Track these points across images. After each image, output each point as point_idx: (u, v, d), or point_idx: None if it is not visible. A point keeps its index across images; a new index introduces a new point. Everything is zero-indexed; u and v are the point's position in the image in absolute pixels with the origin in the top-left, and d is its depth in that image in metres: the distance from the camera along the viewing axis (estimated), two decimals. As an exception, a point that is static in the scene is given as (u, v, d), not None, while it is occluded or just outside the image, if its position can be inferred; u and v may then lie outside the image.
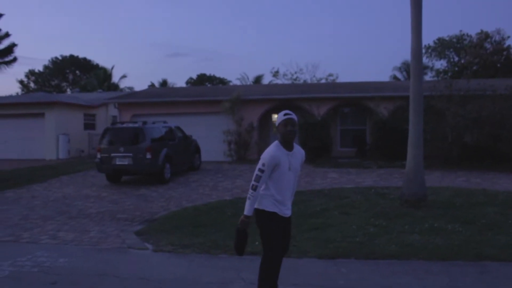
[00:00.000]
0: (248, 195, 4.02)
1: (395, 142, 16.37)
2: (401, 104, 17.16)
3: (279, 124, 4.12)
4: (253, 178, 4.03)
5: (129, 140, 13.20)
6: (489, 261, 5.60)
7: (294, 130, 4.08)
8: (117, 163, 13.12)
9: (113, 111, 25.59)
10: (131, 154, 12.97)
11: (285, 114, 4.13)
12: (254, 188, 3.98)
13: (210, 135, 19.67)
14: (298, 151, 4.29)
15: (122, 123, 14.61)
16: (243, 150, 19.40)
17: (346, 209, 8.91)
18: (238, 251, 4.21)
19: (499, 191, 10.66)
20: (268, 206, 4.09)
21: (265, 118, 20.96)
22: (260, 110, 20.02)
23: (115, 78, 46.62)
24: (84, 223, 8.55)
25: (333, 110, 20.10)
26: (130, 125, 13.85)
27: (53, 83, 59.45)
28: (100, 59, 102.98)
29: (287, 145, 4.12)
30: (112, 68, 46.20)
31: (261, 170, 4.00)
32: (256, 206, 4.12)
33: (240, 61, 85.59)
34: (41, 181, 14.53)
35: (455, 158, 15.81)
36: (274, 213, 4.08)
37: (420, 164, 9.25)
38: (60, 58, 59.60)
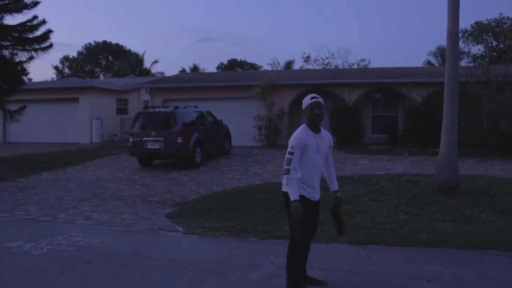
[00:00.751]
0: (285, 181, 4.03)
1: (428, 129, 16.05)
2: (435, 90, 16.75)
3: (306, 107, 4.16)
4: (285, 163, 4.06)
5: (161, 124, 13.37)
6: (523, 251, 5.46)
7: (321, 113, 4.12)
8: (149, 147, 13.32)
9: (145, 96, 25.93)
10: (162, 138, 13.14)
11: (312, 98, 4.17)
12: (287, 172, 4.01)
13: (240, 120, 19.71)
14: (326, 135, 4.32)
15: (154, 107, 14.80)
16: (274, 135, 19.39)
17: (376, 196, 8.83)
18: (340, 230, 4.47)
19: (536, 181, 10.35)
20: (297, 189, 4.09)
21: (296, 103, 20.81)
22: (291, 95, 19.92)
23: (146, 64, 47.28)
24: (117, 205, 8.75)
25: (365, 96, 19.82)
26: (162, 109, 14.02)
27: (86, 68, 60.61)
28: (132, 44, 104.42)
29: (315, 128, 4.16)
30: (144, 53, 46.85)
31: (291, 153, 4.03)
32: (283, 189, 4.15)
33: (271, 47, 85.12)
34: (76, 164, 14.90)
35: (491, 146, 15.43)
36: (302, 196, 4.09)
37: (453, 151, 9.05)
38: (93, 44, 60.65)
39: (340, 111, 17.70)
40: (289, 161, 4.02)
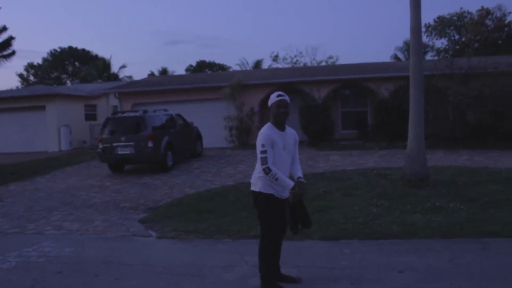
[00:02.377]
0: (272, 180, 4.05)
1: (397, 122, 16.31)
2: (402, 84, 17.03)
3: (272, 105, 4.20)
4: (261, 163, 4.06)
5: (131, 129, 13.21)
6: (491, 237, 5.63)
7: (286, 111, 4.17)
8: (119, 152, 13.15)
9: (113, 101, 25.52)
10: (133, 143, 12.99)
11: (278, 96, 4.21)
12: (268, 170, 4.01)
13: (211, 122, 19.64)
14: (291, 132, 4.37)
15: (123, 112, 14.63)
16: (245, 136, 19.38)
17: (348, 191, 8.95)
18: (293, 227, 4.26)
19: (502, 169, 10.65)
20: (265, 188, 4.16)
21: (266, 102, 20.69)
22: (260, 95, 19.96)
23: (114, 68, 46.54)
24: (89, 213, 8.61)
25: (334, 93, 20.01)
26: (131, 114, 13.88)
27: (52, 75, 59.29)
28: (99, 49, 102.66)
29: (280, 126, 4.21)
30: (110, 58, 46.28)
31: (264, 151, 4.05)
32: (252, 188, 4.23)
33: (240, 47, 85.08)
34: (45, 173, 14.59)
35: (457, 138, 15.78)
36: (271, 195, 4.15)
37: (421, 144, 9.24)
38: (58, 50, 59.37)
39: (310, 109, 17.82)
40: (265, 160, 4.03)
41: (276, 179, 4.03)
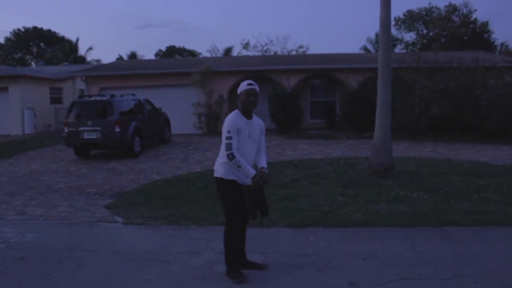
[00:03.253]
0: (235, 166, 4.07)
1: (365, 113, 16.55)
2: (371, 76, 17.29)
3: (241, 93, 4.21)
4: (225, 148, 4.07)
5: (97, 113, 12.96)
6: (451, 226, 5.82)
7: (255, 100, 4.19)
8: (85, 137, 12.89)
9: (80, 84, 24.98)
10: (99, 128, 12.75)
11: (248, 84, 4.22)
12: (232, 156, 4.03)
13: (180, 108, 19.45)
14: (257, 121, 4.40)
15: (90, 96, 14.32)
16: (214, 123, 19.32)
17: (315, 179, 9.06)
18: (253, 212, 4.27)
19: (464, 161, 11.00)
20: (227, 174, 4.21)
21: (235, 90, 20.68)
22: (230, 82, 19.89)
23: (81, 51, 45.42)
24: (53, 198, 8.43)
25: (303, 82, 20.14)
26: (98, 98, 13.58)
27: (16, 56, 57.35)
28: (65, 31, 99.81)
29: (247, 114, 4.24)
30: (77, 40, 44.99)
31: (229, 137, 4.07)
32: (215, 174, 4.28)
33: (211, 33, 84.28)
34: (7, 157, 14.17)
35: (422, 129, 16.18)
36: (233, 181, 4.19)
37: (387, 135, 9.42)
38: (22, 30, 57.35)
39: (279, 97, 17.88)
40: (229, 146, 4.05)
41: (239, 166, 4.06)
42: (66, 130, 13.08)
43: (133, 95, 15.25)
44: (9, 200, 8.38)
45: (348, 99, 17.63)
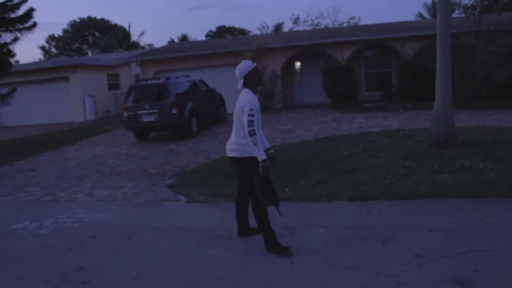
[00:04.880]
0: (252, 143, 4.20)
1: (422, 83, 15.96)
2: (428, 43, 16.59)
3: (250, 71, 4.42)
4: (247, 125, 4.20)
5: (154, 96, 13.28)
6: (522, 196, 5.54)
7: (263, 74, 4.34)
8: (144, 120, 13.27)
9: (135, 69, 25.62)
10: (157, 111, 13.08)
11: (252, 63, 4.46)
12: (253, 133, 4.19)
13: (233, 87, 19.46)
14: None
15: (146, 80, 14.67)
16: (268, 100, 19.29)
17: (374, 153, 8.89)
18: (265, 199, 4.31)
19: (532, 127, 10.41)
20: (251, 152, 4.34)
21: (288, 66, 20.69)
22: (282, 58, 19.74)
23: (134, 36, 46.52)
24: (117, 180, 8.78)
25: (357, 54, 19.65)
26: (154, 81, 13.90)
27: (73, 46, 59.60)
28: (117, 18, 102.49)
29: (256, 91, 4.50)
30: (129, 26, 46.08)
31: (252, 115, 4.23)
32: (236, 154, 4.44)
33: (261, 10, 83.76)
34: (72, 143, 14.87)
35: (485, 97, 15.40)
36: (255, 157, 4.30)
37: (448, 103, 9.05)
38: (78, 21, 59.47)
39: (333, 71, 17.53)
40: (252, 123, 4.20)
41: (255, 145, 4.19)
42: (125, 114, 13.51)
43: (187, 76, 15.48)
44: (78, 183, 8.82)
45: (405, 69, 17.02)
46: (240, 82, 4.47)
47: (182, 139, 13.52)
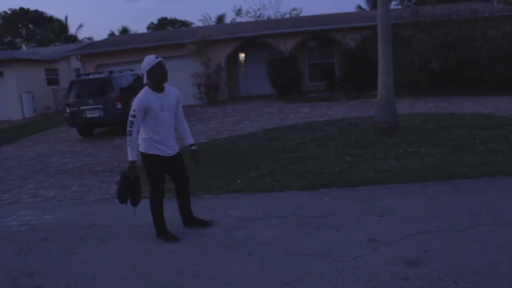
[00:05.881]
0: (127, 142, 4.41)
1: (364, 73, 16.49)
2: (368, 34, 17.13)
3: (152, 67, 4.39)
4: (128, 125, 4.37)
5: (98, 91, 12.90)
6: (461, 179, 5.88)
7: (167, 71, 4.46)
8: (88, 115, 12.87)
9: (75, 63, 24.75)
10: (101, 106, 12.72)
11: (156, 57, 4.45)
12: (130, 134, 4.39)
13: (178, 80, 19.15)
14: (172, 92, 4.63)
15: (88, 74, 14.21)
16: (213, 92, 19.22)
17: (321, 142, 9.11)
18: (121, 197, 4.66)
19: (466, 114, 11.01)
20: (149, 149, 4.51)
21: (232, 58, 20.68)
22: (227, 50, 19.70)
23: (71, 29, 44.83)
24: (63, 179, 8.50)
25: (300, 45, 19.93)
26: (97, 76, 13.50)
27: (5, 40, 56.57)
28: (53, 10, 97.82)
29: (159, 88, 4.45)
30: (66, 19, 44.34)
31: (133, 116, 4.36)
32: (140, 149, 4.56)
33: (202, 1, 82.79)
34: (11, 142, 14.18)
35: (423, 85, 16.11)
36: (156, 155, 4.50)
37: (391, 92, 9.41)
38: (9, 12, 56.43)
39: (277, 62, 17.71)
40: (131, 124, 4.36)
41: (128, 145, 4.45)
42: (68, 110, 13.05)
43: (131, 70, 15.14)
44: (21, 184, 8.45)
45: (347, 59, 17.48)
46: (145, 77, 4.47)
47: (128, 134, 13.22)
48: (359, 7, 38.61)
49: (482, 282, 3.27)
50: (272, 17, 38.04)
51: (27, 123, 19.14)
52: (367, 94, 15.94)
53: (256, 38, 19.63)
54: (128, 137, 4.41)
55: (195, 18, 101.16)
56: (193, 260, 4.13)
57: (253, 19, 37.63)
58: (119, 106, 12.67)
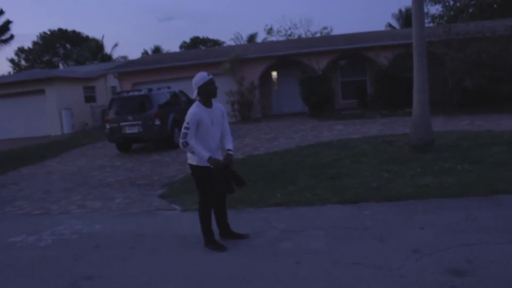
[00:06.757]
0: (190, 151, 4.62)
1: (397, 90, 16.56)
2: (400, 52, 17.22)
3: (203, 83, 4.69)
4: (181, 137, 4.58)
5: (137, 108, 13.37)
6: (502, 194, 5.92)
7: (217, 87, 4.75)
8: (127, 131, 13.33)
9: (111, 81, 25.57)
10: (140, 122, 13.17)
11: (208, 75, 4.73)
12: (185, 144, 4.56)
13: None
14: (217, 107, 4.90)
15: (128, 91, 14.73)
16: (247, 110, 19.58)
17: (357, 158, 9.21)
18: (227, 187, 4.78)
19: (504, 131, 10.92)
20: (201, 161, 4.69)
21: (265, 76, 21.04)
22: (260, 69, 20.08)
23: (107, 49, 46.19)
24: (107, 192, 8.85)
25: (333, 63, 20.15)
26: (136, 93, 13.99)
27: (44, 59, 58.74)
28: (89, 30, 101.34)
29: (208, 103, 4.74)
30: (103, 38, 45.87)
31: (187, 128, 4.58)
32: (189, 161, 4.79)
33: (233, 21, 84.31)
34: (52, 156, 14.76)
35: (456, 103, 16.04)
36: (207, 167, 4.69)
37: (426, 109, 9.47)
38: (48, 33, 58.69)
39: (310, 80, 17.97)
40: (185, 135, 4.58)
41: (193, 152, 4.59)
42: (107, 126, 13.55)
43: (168, 87, 15.61)
44: (67, 196, 8.84)
45: (380, 77, 17.59)
46: (195, 92, 4.76)
47: (165, 150, 13.62)
48: (390, 25, 38.66)
49: (528, 292, 3.36)
50: (303, 36, 38.45)
51: (66, 138, 19.85)
52: (400, 112, 15.97)
53: (289, 56, 19.96)
54: (185, 148, 4.59)
55: (226, 37, 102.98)
56: (243, 268, 4.33)
57: (284, 38, 38.11)
58: (157, 122, 13.09)
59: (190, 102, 15.94)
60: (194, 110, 4.69)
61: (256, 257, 4.57)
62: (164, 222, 6.31)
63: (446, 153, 8.81)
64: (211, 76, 4.77)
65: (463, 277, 3.66)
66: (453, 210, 5.46)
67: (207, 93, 4.74)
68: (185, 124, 4.62)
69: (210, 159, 4.60)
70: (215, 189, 4.84)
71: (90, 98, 25.17)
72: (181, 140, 4.62)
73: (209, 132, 4.74)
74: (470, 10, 31.60)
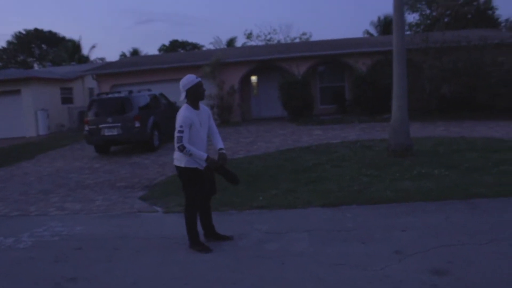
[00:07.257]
0: (187, 154, 4.66)
1: (375, 97, 16.82)
2: (379, 59, 17.51)
3: (192, 86, 4.73)
4: (176, 141, 4.61)
5: (117, 110, 13.25)
6: (478, 198, 6.10)
7: (205, 90, 4.83)
8: (106, 133, 13.20)
9: (89, 83, 25.26)
10: (119, 124, 13.05)
11: (196, 78, 4.79)
12: (183, 148, 4.60)
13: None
14: (204, 109, 4.98)
15: (107, 93, 14.60)
16: (227, 113, 19.61)
17: (337, 163, 9.33)
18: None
19: (478, 138, 11.23)
20: (189, 163, 4.76)
21: (245, 80, 21.12)
22: (240, 73, 20.15)
23: (84, 50, 45.50)
24: (86, 194, 8.75)
25: (312, 69, 20.35)
26: (116, 95, 13.89)
27: (19, 59, 57.57)
28: (66, 31, 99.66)
29: (196, 105, 4.80)
30: (80, 39, 45.15)
31: (180, 131, 4.62)
32: (177, 163, 4.86)
33: (212, 25, 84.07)
34: (29, 158, 14.50)
35: (433, 110, 16.39)
36: (195, 168, 4.76)
37: (405, 115, 9.67)
38: (24, 32, 57.55)
39: (290, 85, 18.09)
40: (180, 139, 4.61)
41: (191, 154, 4.65)
42: (86, 128, 13.39)
43: (149, 90, 15.54)
44: (45, 197, 8.70)
45: (358, 83, 17.82)
46: (183, 95, 4.80)
47: (144, 152, 13.53)
48: (368, 32, 39.23)
49: (506, 291, 3.48)
50: (282, 41, 38.71)
51: (42, 140, 19.53)
52: (378, 118, 16.23)
53: (269, 61, 20.08)
54: (182, 152, 4.65)
55: (206, 41, 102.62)
56: (230, 268, 4.37)
57: (263, 43, 38.32)
58: (137, 124, 13.01)
59: (170, 105, 15.94)
60: (185, 112, 4.72)
61: (241, 258, 4.61)
62: (147, 224, 6.29)
63: (424, 158, 9.01)
64: (199, 79, 4.82)
65: (444, 277, 3.78)
66: (433, 213, 5.60)
67: (195, 96, 4.79)
68: (178, 128, 4.64)
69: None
70: (202, 190, 4.88)
71: (67, 99, 24.81)
72: (177, 144, 4.63)
73: (198, 134, 4.80)
74: (446, 20, 32.42)
